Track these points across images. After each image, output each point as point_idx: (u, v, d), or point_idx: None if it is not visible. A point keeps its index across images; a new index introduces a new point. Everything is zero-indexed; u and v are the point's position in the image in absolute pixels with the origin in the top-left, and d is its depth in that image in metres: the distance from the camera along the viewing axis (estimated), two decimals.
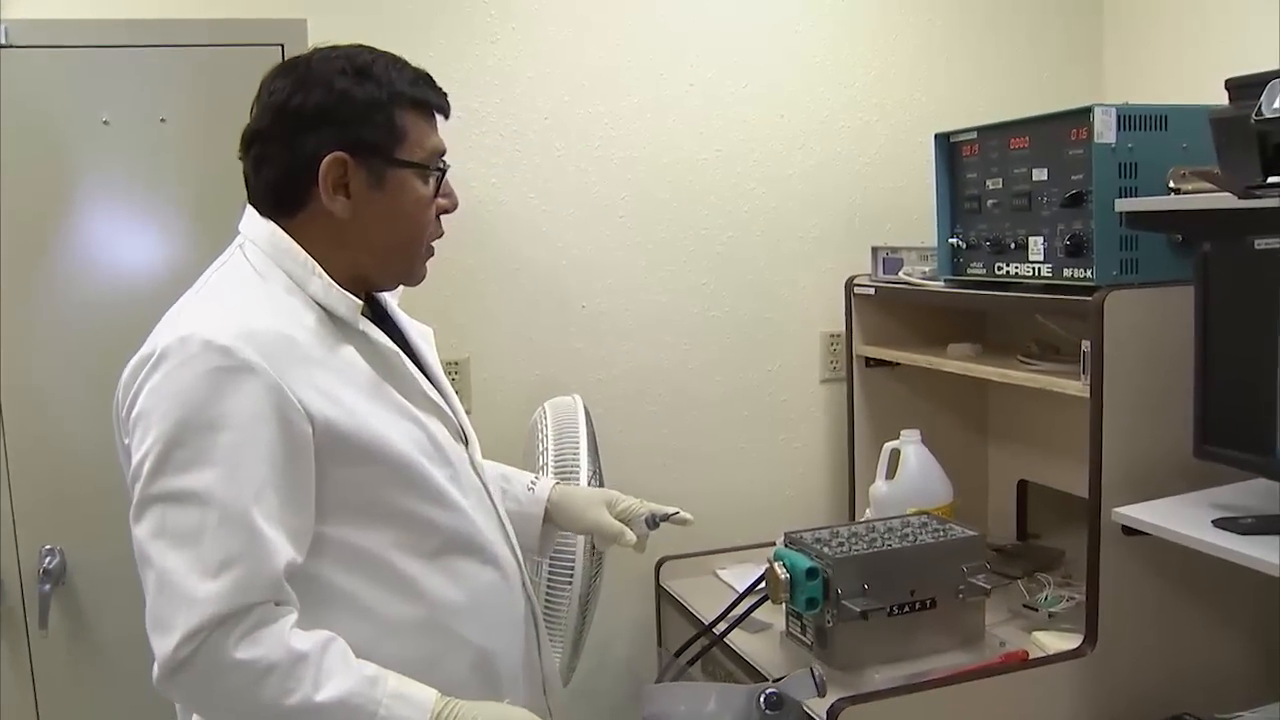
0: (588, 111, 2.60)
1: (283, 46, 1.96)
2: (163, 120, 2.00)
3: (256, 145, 1.45)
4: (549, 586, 2.03)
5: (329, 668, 1.30)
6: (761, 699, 1.65)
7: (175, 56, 2.01)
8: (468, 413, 2.52)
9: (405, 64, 1.49)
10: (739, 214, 2.73)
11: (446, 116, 1.52)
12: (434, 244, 1.54)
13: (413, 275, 1.55)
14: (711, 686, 1.91)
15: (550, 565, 2.02)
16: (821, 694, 1.74)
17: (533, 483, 1.83)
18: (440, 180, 1.50)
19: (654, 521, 1.79)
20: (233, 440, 1.28)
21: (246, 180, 1.48)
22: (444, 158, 1.51)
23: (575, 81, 2.59)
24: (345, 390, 1.39)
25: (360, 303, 1.45)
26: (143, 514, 1.30)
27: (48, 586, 2.09)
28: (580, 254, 2.62)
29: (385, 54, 1.48)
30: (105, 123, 2.02)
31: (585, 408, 2.26)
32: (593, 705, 2.68)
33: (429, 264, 1.56)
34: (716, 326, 2.74)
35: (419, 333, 1.67)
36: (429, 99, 1.48)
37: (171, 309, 1.41)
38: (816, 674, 1.70)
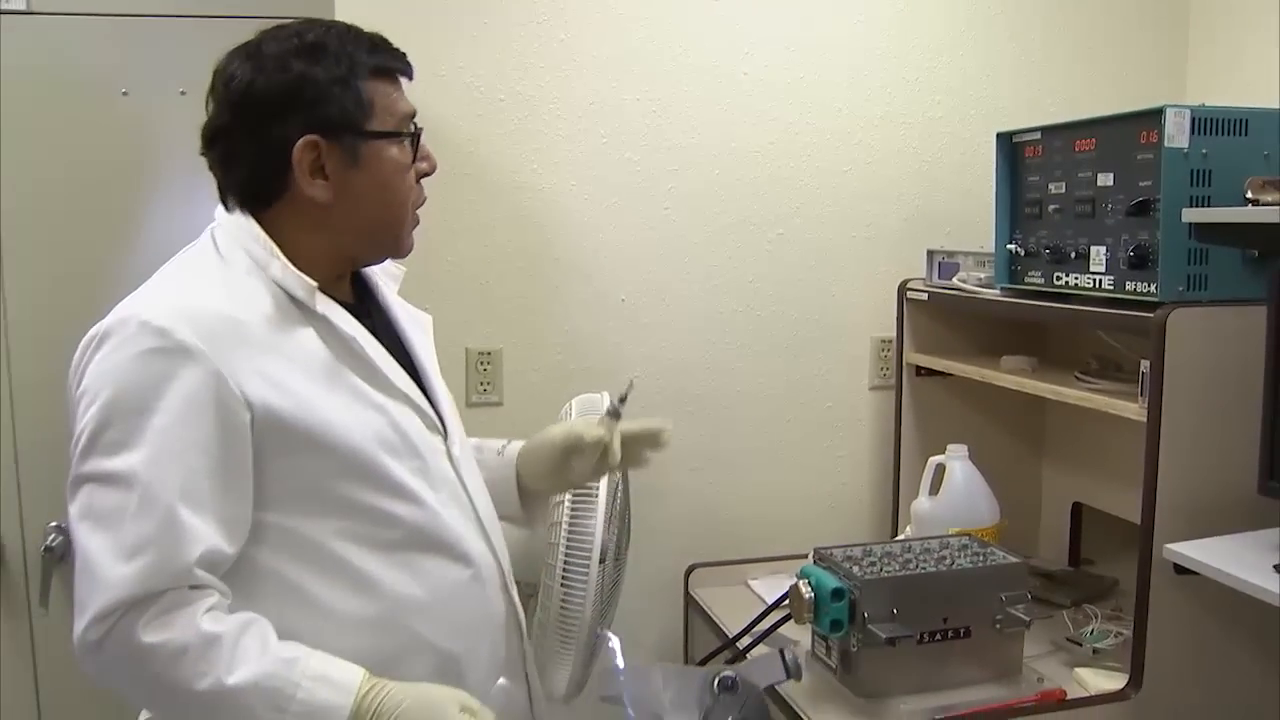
0: (635, 98, 2.50)
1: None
2: (183, 93, 1.94)
3: (221, 142, 1.41)
4: (564, 582, 1.94)
5: (244, 650, 1.26)
6: (715, 681, 1.60)
7: (195, 27, 1.95)
8: (498, 405, 2.50)
9: (359, 31, 1.43)
10: (790, 210, 2.61)
11: (410, 78, 1.46)
12: (420, 213, 1.49)
13: (401, 246, 1.49)
14: (671, 668, 1.83)
15: (566, 560, 1.93)
16: (794, 677, 1.70)
17: (502, 447, 1.75)
18: (415, 143, 1.44)
19: (615, 409, 1.66)
20: (162, 424, 1.26)
21: (216, 177, 1.43)
22: (414, 120, 1.45)
23: (623, 66, 2.49)
24: (295, 376, 1.34)
25: (314, 285, 1.38)
26: (74, 493, 1.29)
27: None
28: (621, 244, 2.52)
29: (336, 24, 1.42)
30: (124, 94, 1.97)
31: None
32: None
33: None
34: (762, 326, 2.63)
35: (414, 320, 1.60)
36: (389, 64, 1.42)
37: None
38: (788, 656, 1.64)
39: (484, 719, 1.32)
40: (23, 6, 1.94)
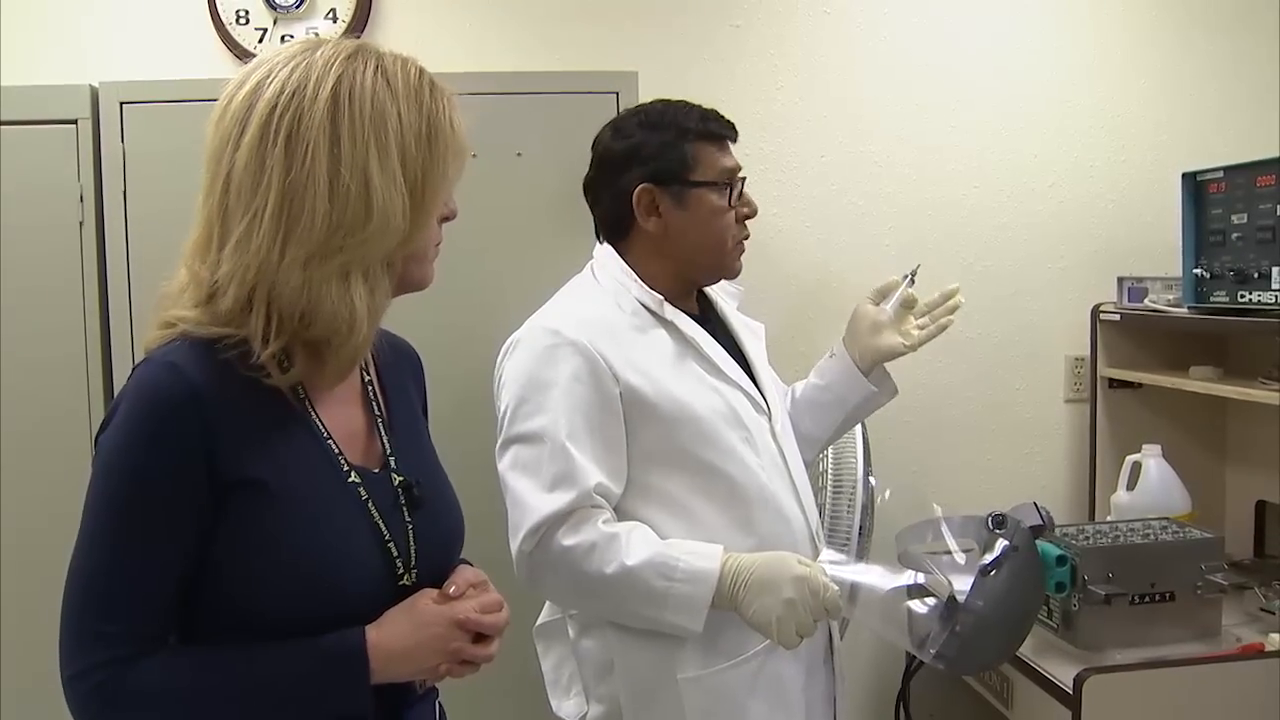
0: (860, 151, 2.92)
1: (618, 94, 2.34)
2: (519, 154, 2.40)
3: (591, 191, 1.93)
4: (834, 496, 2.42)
5: (635, 541, 1.70)
6: (988, 519, 1.91)
7: (529, 102, 2.40)
8: None
9: (693, 106, 1.88)
10: (993, 244, 3.00)
11: (733, 140, 1.89)
12: (745, 243, 1.93)
13: (727, 269, 1.93)
14: (944, 519, 2.06)
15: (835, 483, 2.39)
16: (1046, 525, 2.08)
17: (830, 353, 2.12)
18: (734, 192, 1.87)
19: (910, 279, 2.09)
20: (559, 395, 1.72)
21: (594, 216, 1.95)
22: (740, 174, 1.88)
23: (848, 125, 2.92)
24: (652, 363, 1.79)
25: (661, 298, 1.84)
26: (503, 453, 1.77)
27: None
28: (850, 277, 2.88)
29: (677, 102, 1.89)
30: (474, 156, 2.44)
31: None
32: None
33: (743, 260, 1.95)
34: (969, 347, 2.99)
35: (747, 327, 2.03)
36: (713, 130, 1.87)
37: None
38: (1040, 506, 2.01)
39: (815, 569, 1.68)
40: None
